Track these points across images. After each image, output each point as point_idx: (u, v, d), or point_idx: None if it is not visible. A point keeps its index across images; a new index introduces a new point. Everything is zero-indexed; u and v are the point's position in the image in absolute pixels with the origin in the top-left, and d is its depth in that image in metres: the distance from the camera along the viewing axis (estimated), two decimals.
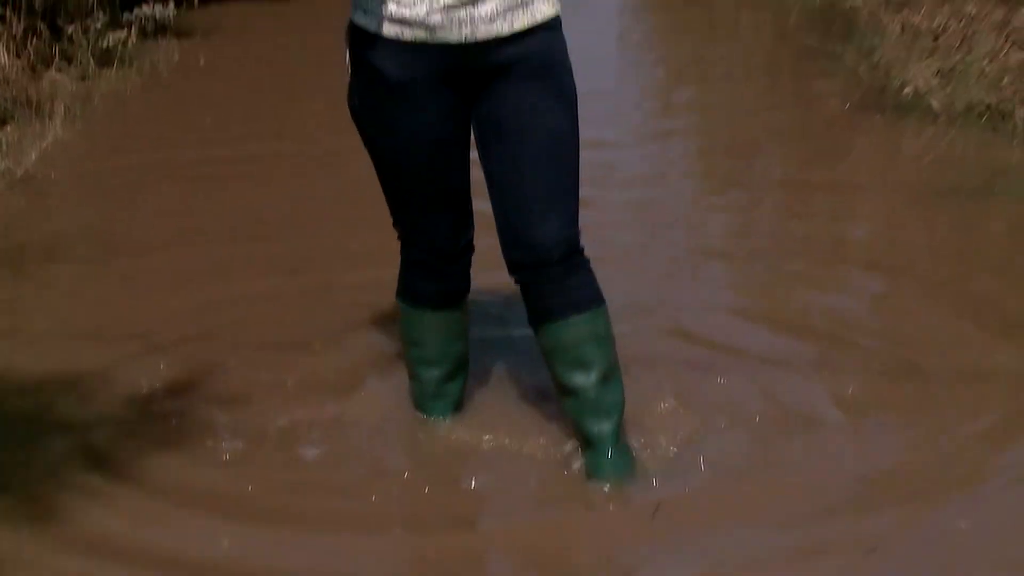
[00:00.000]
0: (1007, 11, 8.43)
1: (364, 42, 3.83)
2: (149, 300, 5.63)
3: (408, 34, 3.74)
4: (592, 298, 4.00)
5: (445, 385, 4.38)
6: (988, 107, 7.45)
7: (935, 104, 7.51)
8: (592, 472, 4.04)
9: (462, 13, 3.72)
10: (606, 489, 4.03)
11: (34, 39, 8.43)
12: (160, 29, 9.63)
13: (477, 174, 3.97)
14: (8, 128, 7.45)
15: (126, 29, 9.20)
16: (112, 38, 9.04)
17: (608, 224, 5.74)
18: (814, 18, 9.98)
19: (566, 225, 3.91)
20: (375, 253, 5.50)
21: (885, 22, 8.89)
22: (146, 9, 9.44)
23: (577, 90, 3.94)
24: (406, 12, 3.72)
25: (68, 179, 7.05)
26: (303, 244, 6.11)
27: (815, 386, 4.59)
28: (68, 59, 8.61)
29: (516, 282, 4.00)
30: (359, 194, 6.44)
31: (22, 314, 5.48)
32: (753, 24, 10.73)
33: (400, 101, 3.88)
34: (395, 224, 4.13)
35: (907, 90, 7.77)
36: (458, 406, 4.41)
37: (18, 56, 8.09)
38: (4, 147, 7.23)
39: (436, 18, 3.71)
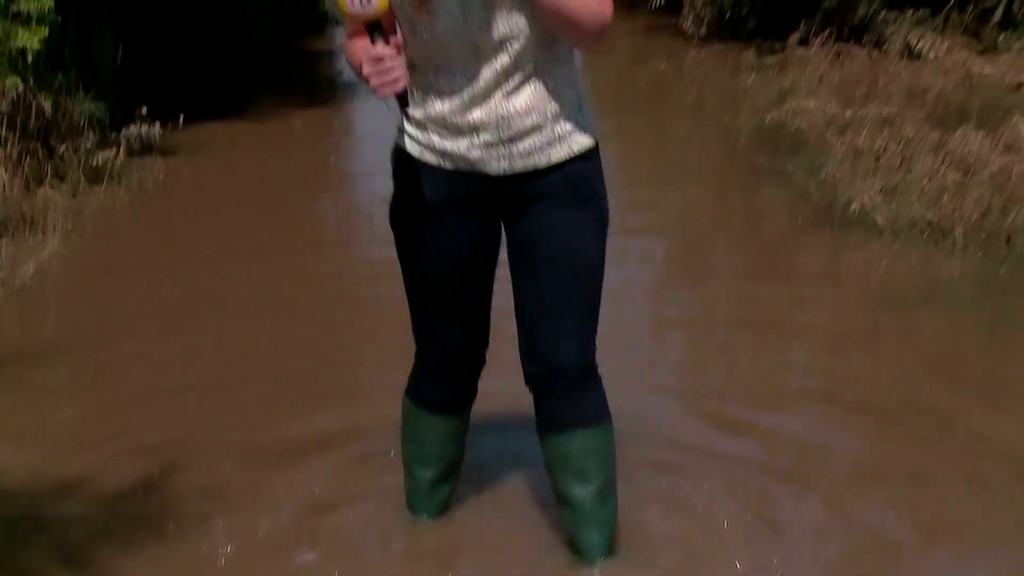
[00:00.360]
0: (942, 135, 8.60)
1: (407, 164, 3.88)
2: (136, 398, 5.62)
3: (448, 164, 3.79)
4: (599, 415, 4.02)
5: (437, 487, 4.35)
6: (929, 223, 7.57)
7: (880, 220, 7.62)
8: None
9: (502, 150, 3.75)
10: None
11: (28, 158, 8.46)
12: (147, 148, 9.68)
13: (502, 270, 4.00)
14: (3, 242, 7.51)
15: (115, 148, 9.23)
16: (101, 157, 9.05)
17: None
18: (762, 137, 10.02)
19: (584, 347, 3.93)
20: (357, 346, 5.74)
21: (830, 142, 9.02)
22: (134, 129, 9.47)
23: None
24: (448, 145, 3.76)
25: (61, 289, 7.10)
26: (287, 333, 6.17)
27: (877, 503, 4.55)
28: (60, 176, 8.59)
29: (530, 391, 4.02)
30: (337, 293, 6.63)
31: (15, 419, 5.48)
32: (702, 140, 10.91)
33: (434, 220, 3.89)
34: (414, 329, 4.11)
35: (854, 206, 7.83)
36: (445, 508, 4.39)
37: (14, 174, 8.15)
38: (1, 260, 7.25)
39: (476, 153, 3.74)
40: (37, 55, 8.54)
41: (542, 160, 3.79)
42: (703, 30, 13.86)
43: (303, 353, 5.86)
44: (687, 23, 13.97)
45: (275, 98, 11.58)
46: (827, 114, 9.58)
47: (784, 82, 11.25)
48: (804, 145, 9.36)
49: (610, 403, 4.18)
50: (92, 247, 7.79)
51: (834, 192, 8.24)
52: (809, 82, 11.00)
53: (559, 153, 3.80)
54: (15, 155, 8.32)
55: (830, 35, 12.06)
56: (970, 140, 8.56)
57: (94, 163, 8.99)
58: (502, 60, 3.70)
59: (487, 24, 3.66)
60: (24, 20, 8.47)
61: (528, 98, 3.75)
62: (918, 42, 11.50)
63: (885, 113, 9.46)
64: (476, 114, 3.73)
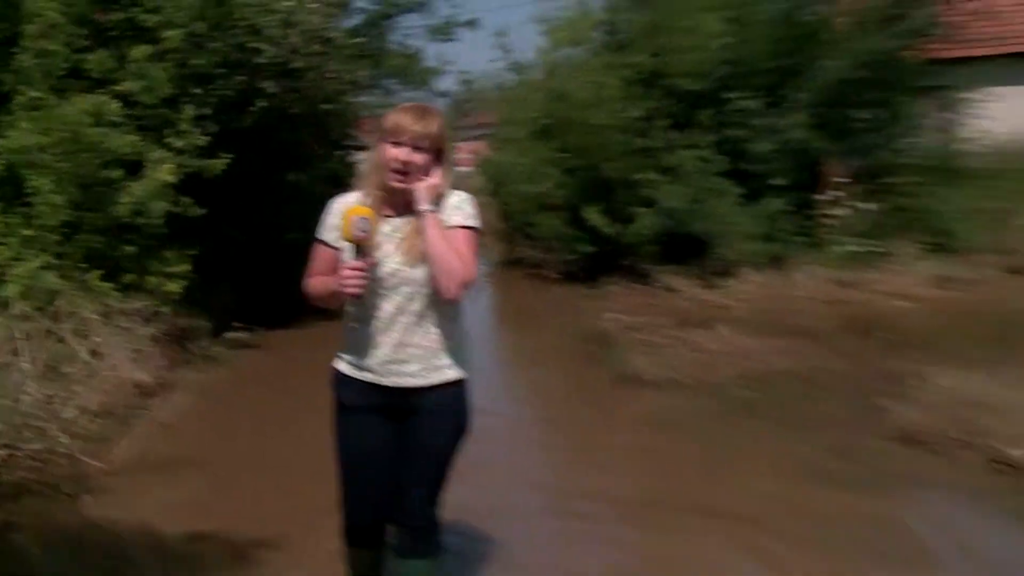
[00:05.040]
0: (687, 332, 8.92)
1: (339, 380, 3.62)
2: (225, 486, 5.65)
3: (362, 376, 3.54)
4: (432, 552, 3.69)
5: None
6: (677, 380, 7.65)
7: (650, 378, 7.81)
8: None
9: (394, 367, 3.49)
10: None
11: (172, 352, 8.40)
12: (244, 345, 9.38)
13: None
14: (155, 400, 7.40)
15: (223, 346, 9.22)
16: (214, 351, 9.00)
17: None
18: (589, 335, 9.63)
19: (432, 508, 3.65)
20: None
21: (627, 337, 9.02)
22: (235, 334, 9.42)
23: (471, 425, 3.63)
24: (363, 362, 3.52)
25: (183, 423, 7.01)
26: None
27: None
28: (189, 362, 8.57)
29: (396, 528, 3.69)
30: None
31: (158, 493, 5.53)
32: (552, 338, 10.09)
33: (353, 418, 3.60)
34: (340, 495, 3.69)
35: (637, 370, 8.01)
36: None
37: (163, 359, 8.12)
38: (151, 409, 7.17)
39: (379, 368, 3.50)
40: (180, 295, 8.78)
41: (422, 381, 3.52)
42: (557, 276, 13.44)
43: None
44: (550, 272, 14.09)
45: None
46: (628, 323, 9.54)
47: (605, 306, 10.77)
48: (614, 340, 9.12)
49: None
50: (203, 402, 7.65)
51: (631, 366, 8.13)
52: (616, 305, 10.72)
53: (435, 378, 3.53)
54: (166, 349, 8.50)
55: (626, 279, 11.86)
56: (697, 334, 8.89)
57: (210, 354, 9.01)
58: (407, 305, 3.48)
59: (401, 278, 3.46)
60: (170, 276, 8.73)
61: (418, 335, 3.49)
62: (672, 282, 11.36)
63: (656, 323, 9.49)
64: (382, 339, 3.48)
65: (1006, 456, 5.69)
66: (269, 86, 9.35)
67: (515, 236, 15.01)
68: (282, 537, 4.85)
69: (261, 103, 9.35)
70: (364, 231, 3.31)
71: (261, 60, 9.22)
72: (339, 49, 10.01)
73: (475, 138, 16.84)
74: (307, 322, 9.57)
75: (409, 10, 11.69)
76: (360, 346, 3.53)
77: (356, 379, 3.57)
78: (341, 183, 9.96)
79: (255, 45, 9.00)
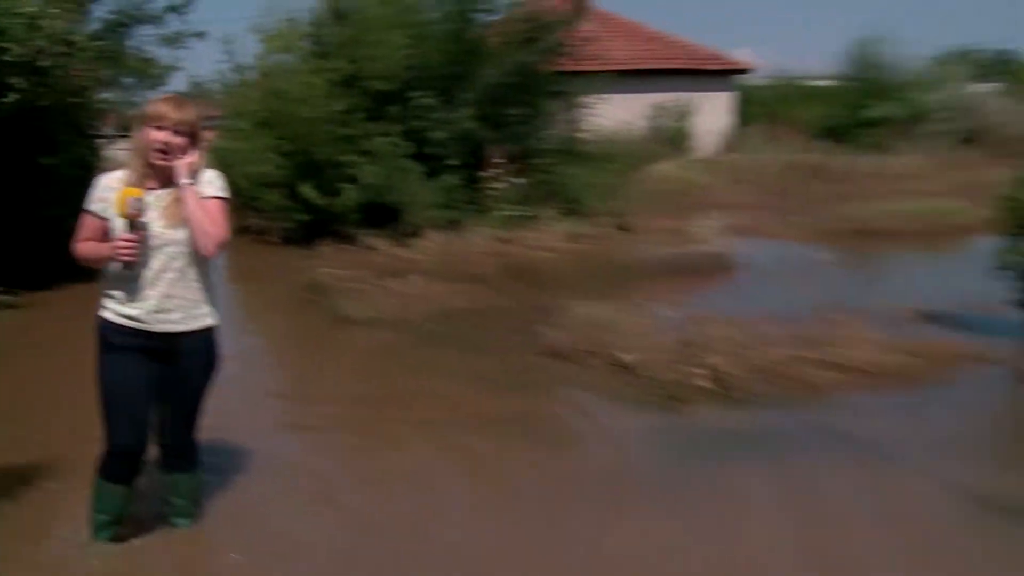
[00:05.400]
0: (385, 281, 8.99)
1: (107, 326, 3.43)
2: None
3: (129, 323, 3.40)
4: (194, 466, 3.70)
5: (112, 526, 3.63)
6: (382, 319, 7.83)
7: (359, 317, 7.94)
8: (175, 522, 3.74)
9: (160, 316, 3.39)
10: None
11: None
12: (8, 305, 8.40)
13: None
14: None
15: None
16: None
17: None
18: (309, 287, 9.14)
19: (190, 433, 3.63)
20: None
21: (341, 288, 8.85)
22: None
23: (221, 361, 3.60)
24: (130, 311, 3.39)
25: None
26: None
27: None
28: None
29: (160, 449, 3.64)
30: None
31: None
32: (275, 291, 9.68)
33: (118, 357, 3.40)
34: (104, 430, 3.48)
35: (352, 314, 8.01)
36: (116, 537, 3.65)
37: None
38: None
39: (146, 316, 3.39)
40: None
41: (183, 327, 3.42)
42: (279, 240, 13.63)
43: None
44: (272, 238, 13.78)
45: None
46: (339, 276, 9.33)
47: (319, 263, 10.22)
48: (328, 289, 8.87)
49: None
50: None
51: (343, 309, 8.04)
52: (328, 262, 10.11)
53: (193, 325, 3.44)
54: None
55: (336, 241, 11.48)
56: (394, 283, 8.83)
57: None
58: (171, 263, 3.37)
59: (165, 240, 3.35)
60: None
61: (181, 287, 3.39)
62: (373, 242, 11.10)
63: (361, 275, 9.29)
64: (149, 292, 3.36)
65: (621, 360, 6.21)
66: (18, 81, 8.51)
67: (242, 209, 14.59)
68: (62, 461, 4.58)
69: (13, 96, 8.50)
70: (136, 209, 3.28)
71: (8, 58, 8.36)
72: (82, 51, 9.25)
73: (205, 128, 15.90)
74: (66, 284, 8.89)
75: (143, 21, 10.93)
76: (129, 298, 3.41)
77: (124, 325, 3.43)
78: (90, 167, 9.33)
79: (1, 45, 8.14)
